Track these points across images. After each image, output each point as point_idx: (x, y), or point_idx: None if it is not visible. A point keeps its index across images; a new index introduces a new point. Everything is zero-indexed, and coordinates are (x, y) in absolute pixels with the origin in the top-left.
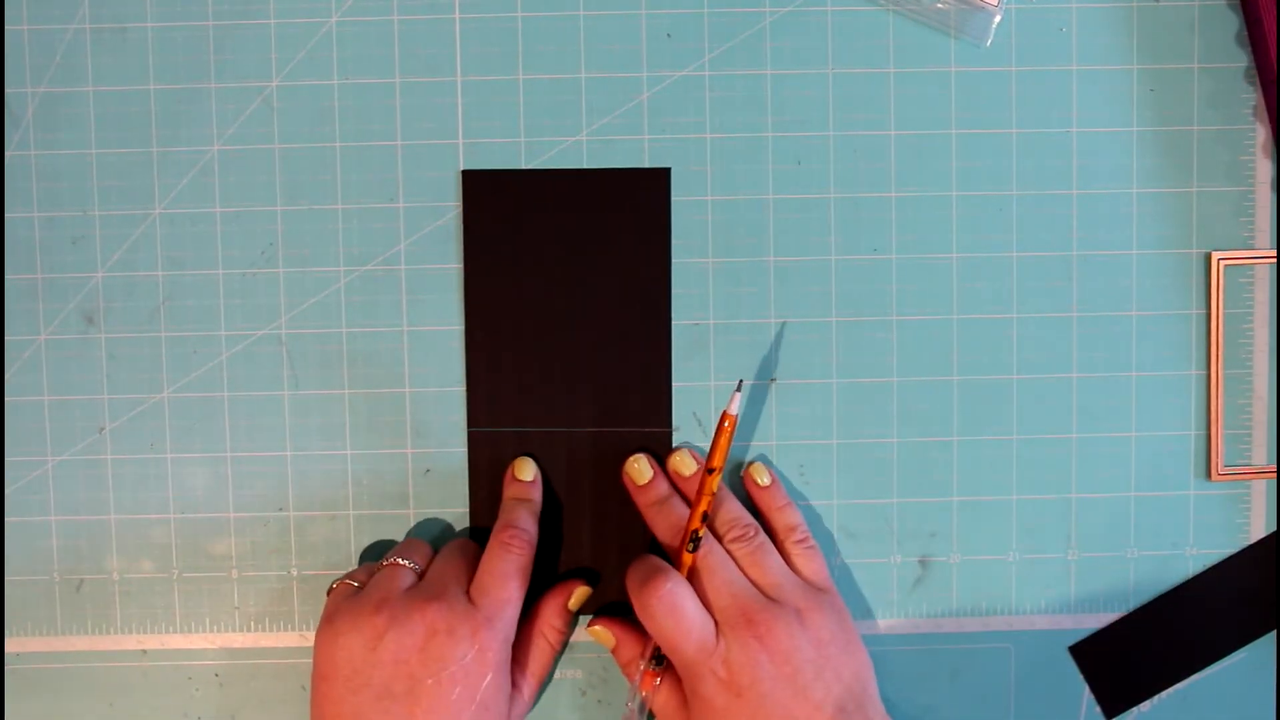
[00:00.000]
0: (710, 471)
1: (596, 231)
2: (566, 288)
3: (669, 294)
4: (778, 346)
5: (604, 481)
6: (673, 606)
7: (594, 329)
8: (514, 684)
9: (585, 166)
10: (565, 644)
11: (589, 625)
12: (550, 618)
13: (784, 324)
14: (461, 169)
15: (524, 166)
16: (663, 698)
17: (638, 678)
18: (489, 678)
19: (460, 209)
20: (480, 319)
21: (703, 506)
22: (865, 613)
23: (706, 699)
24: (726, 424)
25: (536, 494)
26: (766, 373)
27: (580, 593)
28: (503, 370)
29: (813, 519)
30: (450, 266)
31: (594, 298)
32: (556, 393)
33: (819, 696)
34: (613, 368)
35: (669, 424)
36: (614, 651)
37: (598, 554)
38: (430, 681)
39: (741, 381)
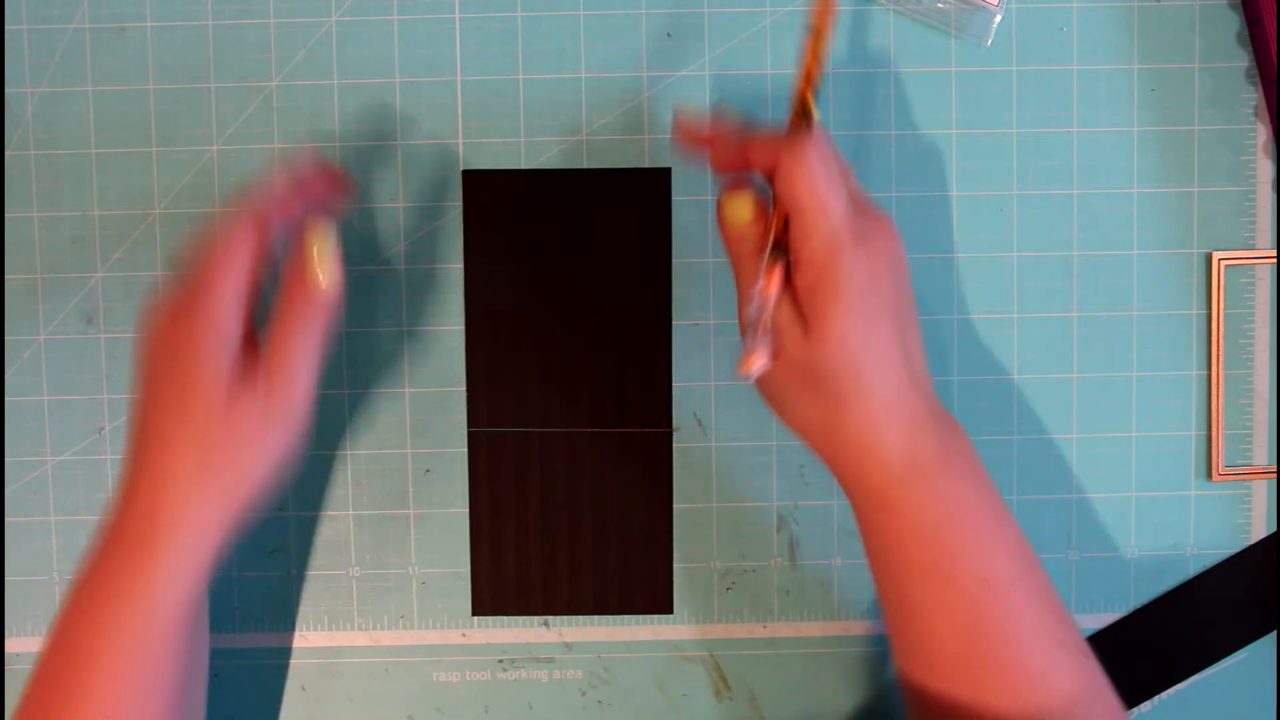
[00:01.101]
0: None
1: (596, 232)
2: (567, 288)
3: (669, 294)
4: None
5: (604, 481)
6: (828, 156)
7: (594, 329)
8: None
9: (585, 167)
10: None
11: (721, 200)
12: (294, 283)
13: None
14: (462, 169)
15: (524, 167)
16: (780, 310)
17: (766, 274)
18: (190, 354)
19: (461, 209)
20: (480, 319)
21: (811, 66)
22: (866, 613)
23: (844, 278)
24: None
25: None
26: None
27: (322, 231)
28: (503, 370)
29: (813, 518)
30: (450, 266)
31: (594, 298)
32: (556, 392)
33: (909, 313)
34: (613, 368)
35: (669, 424)
36: (738, 240)
37: (599, 555)
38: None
39: None
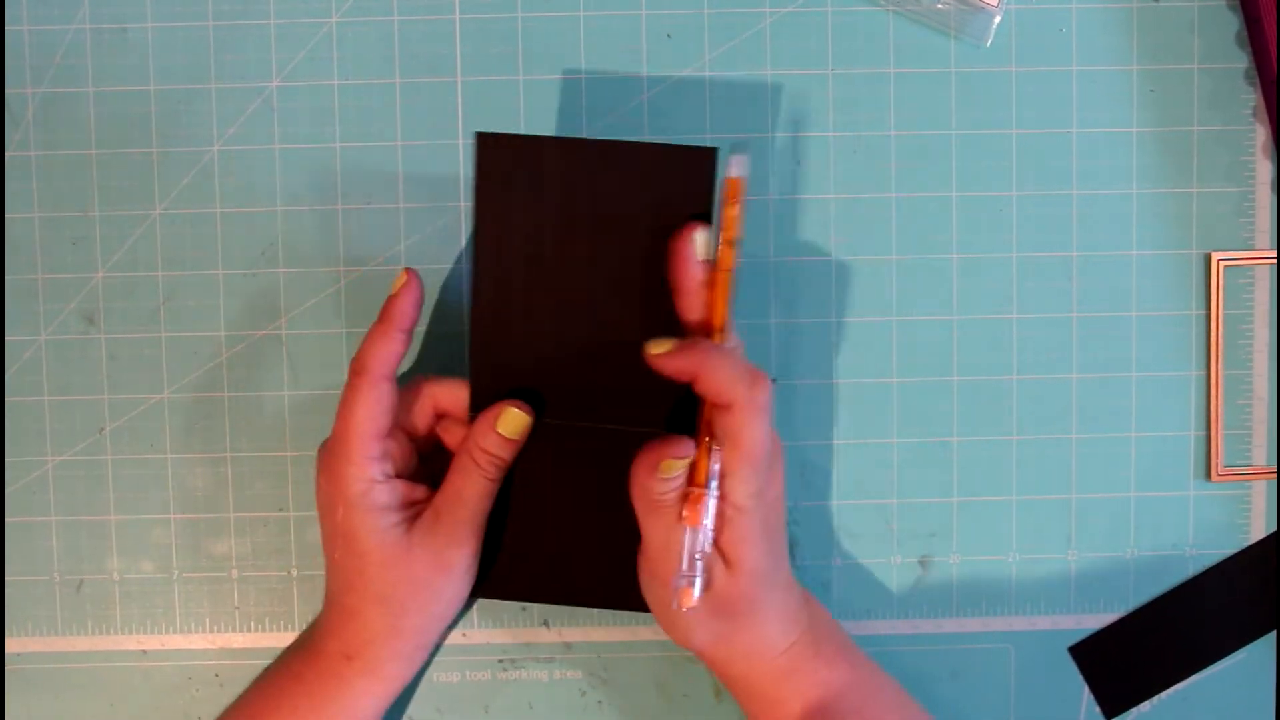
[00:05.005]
0: (730, 245)
1: (620, 214)
2: (582, 273)
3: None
4: (778, 346)
5: (611, 479)
6: (770, 406)
7: (602, 323)
8: (430, 516)
9: None
10: (502, 478)
11: (656, 459)
12: (478, 437)
13: (784, 324)
14: (476, 132)
15: None
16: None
17: (702, 509)
18: (340, 511)
19: (460, 209)
20: (491, 304)
21: (722, 291)
22: (865, 613)
23: (761, 519)
24: (730, 191)
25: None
26: (766, 373)
27: (511, 415)
28: (510, 360)
29: (813, 519)
30: (451, 266)
31: (607, 288)
32: (566, 384)
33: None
34: (625, 361)
35: (661, 424)
36: (660, 493)
37: (606, 550)
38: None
39: (739, 152)
